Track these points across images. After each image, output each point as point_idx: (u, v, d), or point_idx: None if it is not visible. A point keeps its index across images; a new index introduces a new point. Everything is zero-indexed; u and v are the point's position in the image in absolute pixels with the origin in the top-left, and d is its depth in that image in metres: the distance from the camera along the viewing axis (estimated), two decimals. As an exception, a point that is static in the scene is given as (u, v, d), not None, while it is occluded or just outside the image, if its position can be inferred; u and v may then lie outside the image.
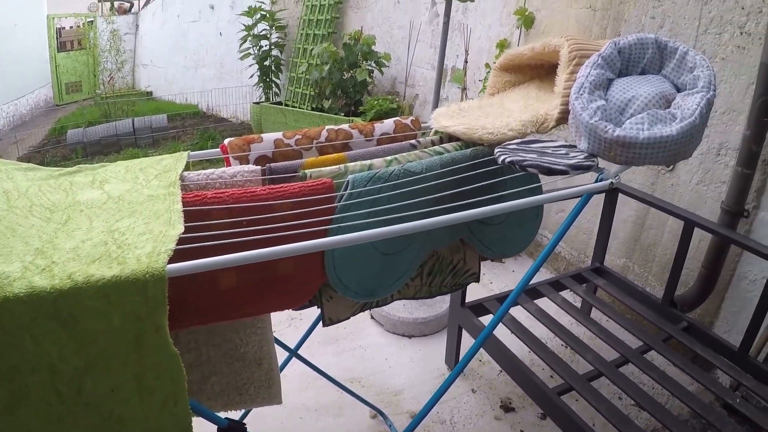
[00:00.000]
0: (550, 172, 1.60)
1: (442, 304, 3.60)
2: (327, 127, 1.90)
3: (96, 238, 1.26)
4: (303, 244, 1.29)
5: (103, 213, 1.38)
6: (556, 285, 3.09)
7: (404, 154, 1.75)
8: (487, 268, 4.21)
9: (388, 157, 1.70)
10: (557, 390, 2.41)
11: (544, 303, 2.91)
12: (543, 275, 4.04)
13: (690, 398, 2.24)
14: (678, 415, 2.69)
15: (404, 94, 6.20)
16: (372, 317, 3.66)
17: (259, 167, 1.63)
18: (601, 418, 2.24)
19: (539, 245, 4.40)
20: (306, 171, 1.60)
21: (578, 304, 3.48)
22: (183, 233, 1.26)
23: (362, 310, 1.86)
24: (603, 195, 3.18)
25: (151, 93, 14.61)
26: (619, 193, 3.15)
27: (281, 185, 1.51)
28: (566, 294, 3.07)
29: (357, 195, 1.53)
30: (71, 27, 14.95)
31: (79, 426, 1.21)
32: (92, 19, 14.81)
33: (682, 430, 2.10)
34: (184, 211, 1.36)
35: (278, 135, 1.82)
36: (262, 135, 1.81)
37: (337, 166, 1.62)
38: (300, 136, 1.83)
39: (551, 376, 2.98)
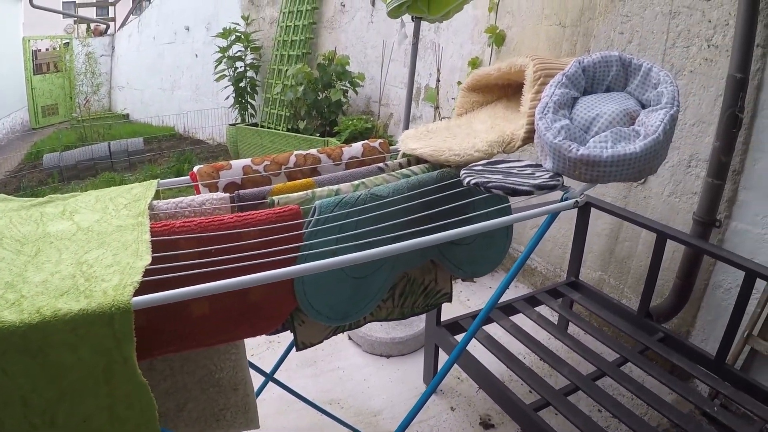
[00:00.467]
0: (514, 193, 1.62)
1: (419, 323, 3.60)
2: (296, 152, 1.92)
3: (65, 270, 1.27)
4: (271, 272, 1.30)
5: (72, 245, 1.39)
6: (532, 300, 3.10)
7: (371, 177, 1.76)
8: (464, 286, 4.23)
9: (356, 182, 1.71)
10: (534, 406, 2.41)
11: (520, 319, 2.93)
12: (519, 290, 4.07)
13: (668, 409, 2.25)
14: (657, 425, 2.71)
15: (378, 113, 6.22)
16: (350, 338, 3.66)
17: (227, 194, 1.64)
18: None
19: (514, 259, 4.41)
20: (274, 197, 1.61)
21: (555, 319, 3.49)
22: (151, 264, 1.27)
23: (335, 334, 1.86)
24: (576, 210, 3.20)
25: (127, 115, 14.59)
26: (592, 207, 3.17)
27: (249, 213, 1.52)
28: (543, 309, 3.09)
29: (324, 221, 1.54)
30: (47, 49, 14.93)
31: None
32: (68, 41, 14.77)
33: (659, 442, 2.12)
34: (152, 241, 1.37)
35: (247, 161, 1.83)
36: (231, 162, 1.82)
37: (305, 192, 1.63)
38: (269, 162, 1.85)
39: (530, 392, 2.99)
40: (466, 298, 4.12)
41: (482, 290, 4.25)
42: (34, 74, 14.44)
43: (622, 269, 3.54)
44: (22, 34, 14.34)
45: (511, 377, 3.04)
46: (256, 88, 8.32)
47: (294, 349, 1.96)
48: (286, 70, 7.24)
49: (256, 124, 7.84)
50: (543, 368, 3.19)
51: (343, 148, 2.00)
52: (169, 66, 12.43)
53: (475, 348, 2.71)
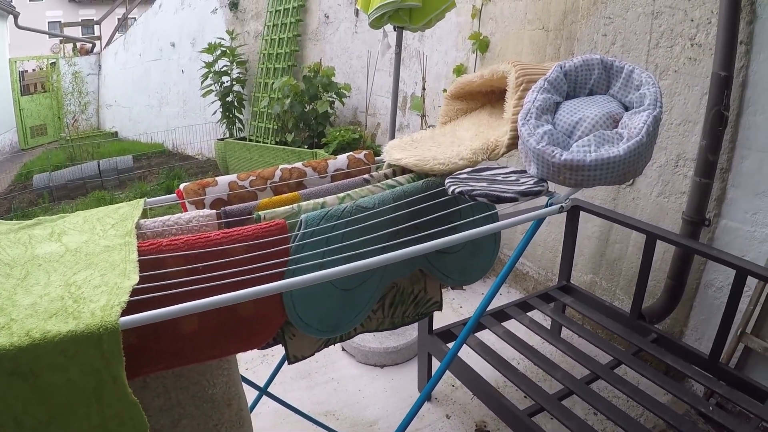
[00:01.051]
0: (499, 200, 1.62)
1: (411, 332, 3.60)
2: (281, 166, 1.92)
3: (53, 293, 1.28)
4: (259, 288, 1.31)
5: (61, 266, 1.40)
6: (524, 306, 3.11)
7: (357, 189, 1.77)
8: (456, 293, 4.23)
9: (341, 194, 1.72)
10: (528, 411, 2.42)
11: (513, 325, 2.93)
12: (512, 296, 4.07)
13: (663, 410, 2.26)
14: (653, 427, 2.71)
15: (366, 123, 6.23)
16: (343, 349, 3.66)
17: (214, 211, 1.64)
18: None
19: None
20: (260, 212, 1.61)
21: (547, 324, 3.50)
22: (139, 283, 1.28)
23: (326, 346, 1.86)
24: (565, 214, 3.21)
25: (116, 133, 14.58)
26: (581, 211, 3.18)
27: (235, 229, 1.52)
28: (535, 314, 3.09)
29: (311, 234, 1.55)
30: (34, 70, 14.96)
31: None
32: (54, 60, 14.76)
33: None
34: (140, 260, 1.37)
35: (233, 177, 1.83)
36: (217, 178, 1.82)
37: (291, 206, 1.64)
38: (254, 177, 1.85)
39: (525, 397, 2.99)
40: (459, 305, 4.13)
41: (474, 297, 4.26)
42: (21, 95, 14.44)
43: (613, 271, 3.55)
44: (8, 55, 14.34)
45: (505, 383, 3.04)
46: (243, 102, 8.32)
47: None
48: (273, 83, 7.25)
49: (244, 138, 7.84)
50: (537, 373, 3.19)
51: (328, 161, 2.00)
52: (156, 83, 12.43)
53: (469, 355, 2.71)
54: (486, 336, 2.88)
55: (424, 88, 4.94)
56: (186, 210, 1.79)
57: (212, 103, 8.28)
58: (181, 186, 1.80)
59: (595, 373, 2.56)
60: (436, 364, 3.06)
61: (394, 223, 1.67)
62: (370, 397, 3.23)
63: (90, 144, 11.43)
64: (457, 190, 1.68)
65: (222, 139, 8.09)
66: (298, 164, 1.95)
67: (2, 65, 13.90)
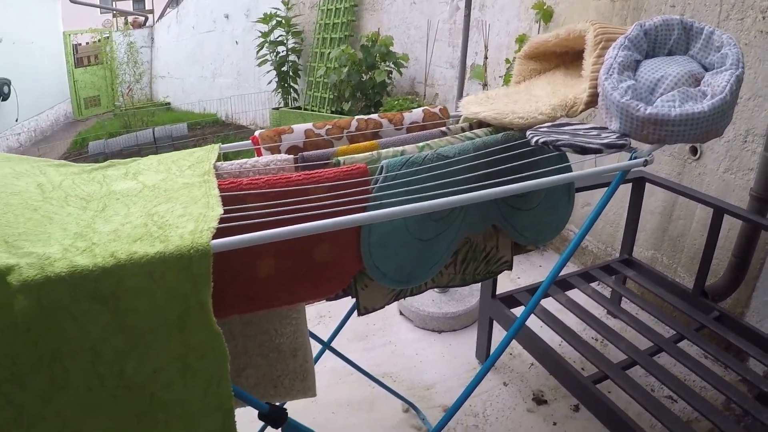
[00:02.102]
0: (584, 150, 1.59)
1: (470, 299, 3.59)
2: (357, 117, 1.90)
3: (135, 221, 1.24)
4: (342, 219, 1.29)
5: (140, 200, 1.36)
6: (586, 276, 3.07)
7: (436, 140, 1.74)
8: (514, 264, 4.20)
9: (420, 144, 1.69)
10: (592, 378, 2.39)
11: (573, 295, 2.90)
12: (570, 269, 4.03)
13: (726, 387, 2.22)
14: (714, 402, 2.66)
15: (424, 93, 6.20)
16: (401, 313, 3.67)
17: (291, 156, 1.62)
18: (636, 408, 2.23)
19: (566, 240, 4.38)
20: (339, 158, 1.59)
21: (608, 297, 3.45)
22: (222, 217, 1.25)
23: (396, 299, 1.84)
24: (630, 186, 3.16)
25: (168, 104, 14.73)
26: (647, 183, 3.12)
27: (316, 171, 1.50)
28: (595, 286, 3.05)
29: (392, 178, 1.52)
30: (87, 43, 15.15)
31: (118, 413, 1.20)
32: (108, 34, 14.94)
33: (719, 418, 2.08)
34: (220, 196, 1.35)
35: (309, 126, 1.81)
36: (293, 126, 1.80)
37: (370, 153, 1.62)
38: (330, 126, 1.83)
39: (582, 369, 2.96)
40: (516, 276, 4.11)
41: (533, 269, 4.24)
42: (75, 67, 14.66)
43: (675, 248, 3.49)
44: (63, 29, 14.54)
45: (564, 353, 3.00)
46: (299, 71, 8.35)
47: (350, 320, 1.96)
48: (329, 53, 7.25)
49: (299, 108, 7.87)
50: (596, 345, 3.15)
51: (403, 114, 1.98)
52: (210, 54, 12.53)
53: (530, 322, 2.69)
54: (546, 303, 2.85)
55: (486, 57, 4.89)
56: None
57: (267, 72, 8.31)
58: (257, 132, 1.79)
59: (658, 346, 2.51)
60: (495, 332, 3.05)
61: (472, 173, 1.64)
62: (427, 361, 3.23)
63: (144, 113, 11.57)
64: (541, 140, 1.64)
65: (277, 108, 8.13)
66: (374, 115, 1.93)
67: (57, 39, 14.11)
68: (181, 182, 1.46)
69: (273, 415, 1.51)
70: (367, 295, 1.76)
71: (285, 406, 2.50)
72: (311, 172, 1.50)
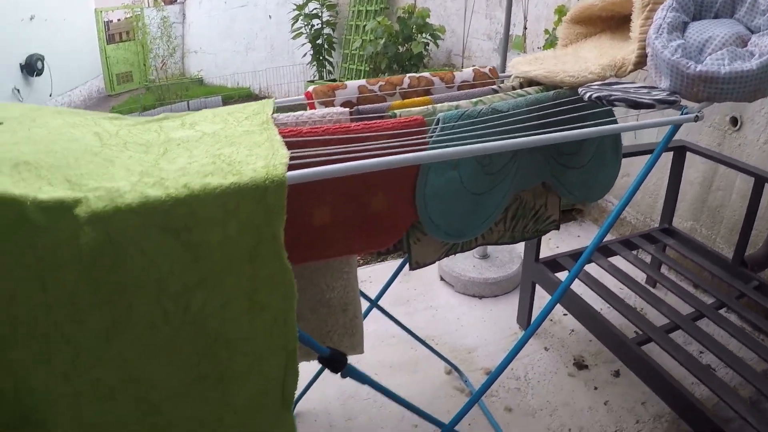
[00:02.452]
0: (636, 105, 1.60)
1: (511, 265, 3.62)
2: (409, 74, 1.92)
3: (202, 160, 1.22)
4: (404, 156, 1.31)
5: (201, 145, 1.35)
6: (627, 244, 3.07)
7: (488, 96, 1.76)
8: (552, 234, 4.22)
9: (474, 99, 1.71)
10: (636, 340, 2.40)
11: (614, 262, 2.91)
12: (609, 237, 4.04)
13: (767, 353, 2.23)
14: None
15: (461, 65, 6.19)
16: (442, 279, 3.70)
17: (347, 109, 1.64)
18: (679, 373, 2.24)
19: (604, 211, 4.37)
20: (395, 111, 1.62)
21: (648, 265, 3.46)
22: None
23: (447, 254, 1.87)
24: (671, 156, 3.15)
25: (201, 79, 14.79)
26: (687, 152, 3.11)
27: (374, 121, 1.52)
28: (636, 254, 3.05)
29: (448, 129, 1.54)
30: (119, 19, 15.21)
31: (179, 353, 1.19)
32: (139, 10, 15.01)
33: (763, 384, 2.09)
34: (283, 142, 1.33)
35: (362, 82, 1.83)
36: (346, 82, 1.82)
37: (426, 107, 1.64)
38: (383, 83, 1.85)
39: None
40: (556, 245, 4.13)
41: (571, 239, 4.26)
42: (107, 44, 14.75)
43: (714, 219, 3.48)
44: (94, 6, 14.63)
45: (608, 315, 3.03)
46: (333, 44, 8.36)
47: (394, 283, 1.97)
48: (364, 26, 7.26)
49: (334, 80, 7.88)
50: (640, 309, 3.16)
51: (454, 73, 2.00)
52: (243, 29, 12.55)
53: (572, 285, 2.71)
54: (587, 268, 2.86)
55: (525, 28, 4.88)
56: (315, 111, 1.80)
57: (302, 45, 8.33)
58: (310, 87, 1.81)
59: (699, 311, 2.52)
60: (537, 297, 3.09)
61: (525, 128, 1.66)
62: (468, 326, 3.27)
63: (178, 87, 11.63)
64: (594, 95, 1.66)
65: (312, 81, 8.15)
66: (426, 73, 1.95)
67: (88, 15, 14.20)
68: (240, 130, 1.44)
69: (334, 359, 1.54)
70: (419, 249, 1.79)
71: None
72: (370, 122, 1.51)
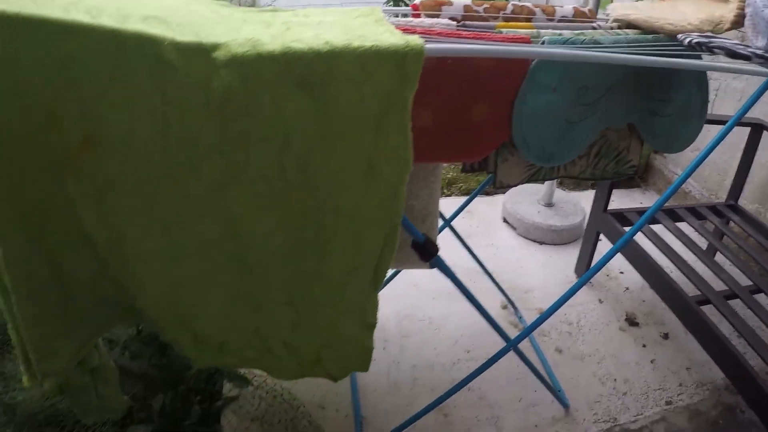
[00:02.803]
0: (734, 54, 1.64)
1: (574, 216, 3.69)
2: (512, 2, 1.97)
3: (331, 33, 1.15)
4: (521, 48, 1.43)
5: (322, 29, 1.24)
6: (692, 211, 3.09)
7: (589, 31, 1.80)
8: (614, 196, 4.25)
9: (576, 31, 1.75)
10: (696, 299, 2.44)
11: (679, 227, 2.94)
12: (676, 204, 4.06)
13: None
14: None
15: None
16: (505, 220, 3.80)
17: (454, 22, 1.70)
18: (733, 339, 2.27)
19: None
20: (502, 29, 1.67)
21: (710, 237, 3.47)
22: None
23: (529, 180, 1.93)
24: (747, 132, 3.14)
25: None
26: (765, 131, 3.10)
27: (484, 33, 1.57)
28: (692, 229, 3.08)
29: (552, 54, 1.59)
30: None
31: (287, 214, 1.22)
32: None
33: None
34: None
35: (467, 1, 1.87)
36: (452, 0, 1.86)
37: (530, 30, 1.69)
38: (488, 6, 1.89)
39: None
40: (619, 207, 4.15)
41: (633, 205, 4.28)
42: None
43: (781, 204, 3.47)
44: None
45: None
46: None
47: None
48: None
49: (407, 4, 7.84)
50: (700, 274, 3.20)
51: (555, 7, 2.04)
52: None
53: (636, 240, 2.74)
54: (654, 230, 2.90)
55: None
56: (420, 25, 1.85)
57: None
58: (417, 0, 1.86)
59: (757, 286, 2.55)
60: (599, 250, 3.15)
61: (623, 65, 1.71)
62: (527, 268, 3.36)
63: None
64: (694, 41, 1.70)
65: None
66: (528, 3, 1.99)
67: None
68: (358, 23, 1.37)
69: (427, 246, 1.61)
70: (505, 169, 1.85)
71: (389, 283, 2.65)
72: (480, 33, 1.56)
